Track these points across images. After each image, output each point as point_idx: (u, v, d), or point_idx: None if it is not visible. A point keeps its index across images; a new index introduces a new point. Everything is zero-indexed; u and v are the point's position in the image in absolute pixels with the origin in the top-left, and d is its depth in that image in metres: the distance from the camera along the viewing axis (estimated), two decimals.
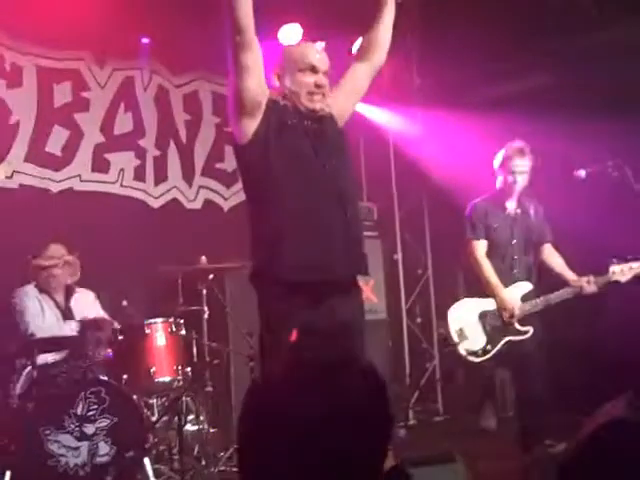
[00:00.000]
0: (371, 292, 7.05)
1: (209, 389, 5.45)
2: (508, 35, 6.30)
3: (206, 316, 5.43)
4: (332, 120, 3.50)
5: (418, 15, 6.93)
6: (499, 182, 5.21)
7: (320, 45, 3.62)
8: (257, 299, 3.36)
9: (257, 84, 3.26)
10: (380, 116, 7.45)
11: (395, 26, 3.64)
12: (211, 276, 5.50)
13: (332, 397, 1.33)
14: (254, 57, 3.22)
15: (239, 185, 7.50)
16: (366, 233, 7.29)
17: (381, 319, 7.17)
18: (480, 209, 5.25)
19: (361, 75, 3.64)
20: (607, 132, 5.20)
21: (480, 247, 5.20)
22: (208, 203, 7.23)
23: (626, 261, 4.90)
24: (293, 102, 3.38)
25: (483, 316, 5.15)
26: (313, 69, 3.40)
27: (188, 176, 7.13)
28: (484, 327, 5.13)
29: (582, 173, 4.93)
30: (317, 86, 3.37)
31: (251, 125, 3.29)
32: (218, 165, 7.30)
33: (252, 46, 3.20)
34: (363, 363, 1.41)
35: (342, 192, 3.37)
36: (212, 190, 7.27)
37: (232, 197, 7.30)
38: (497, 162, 5.19)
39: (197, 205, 7.17)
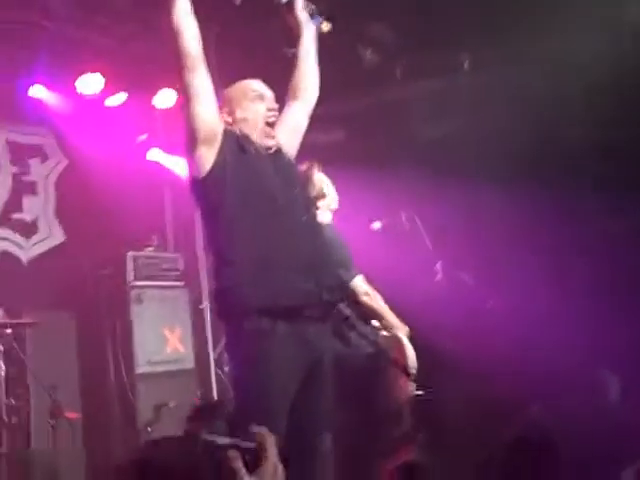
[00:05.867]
0: (178, 341, 7.01)
1: (3, 450, 5.21)
2: None
3: (3, 373, 5.22)
4: (284, 152, 3.45)
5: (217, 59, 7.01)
6: None
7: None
8: None
9: (209, 111, 3.18)
10: (185, 168, 7.44)
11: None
12: (9, 330, 5.30)
13: None
14: (203, 82, 3.15)
15: (40, 235, 7.33)
16: (173, 283, 7.33)
17: (188, 368, 7.12)
18: None
19: (298, 113, 3.59)
20: (396, 184, 5.49)
21: None
22: (5, 255, 6.91)
23: None
24: (248, 132, 3.31)
25: None
26: (261, 97, 3.37)
27: None
28: None
29: (378, 225, 5.12)
30: (269, 110, 3.33)
31: (208, 156, 3.19)
32: (16, 215, 7.03)
33: (200, 71, 3.13)
34: None
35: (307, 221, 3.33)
36: (9, 241, 6.98)
37: (32, 248, 7.04)
38: None
39: None
